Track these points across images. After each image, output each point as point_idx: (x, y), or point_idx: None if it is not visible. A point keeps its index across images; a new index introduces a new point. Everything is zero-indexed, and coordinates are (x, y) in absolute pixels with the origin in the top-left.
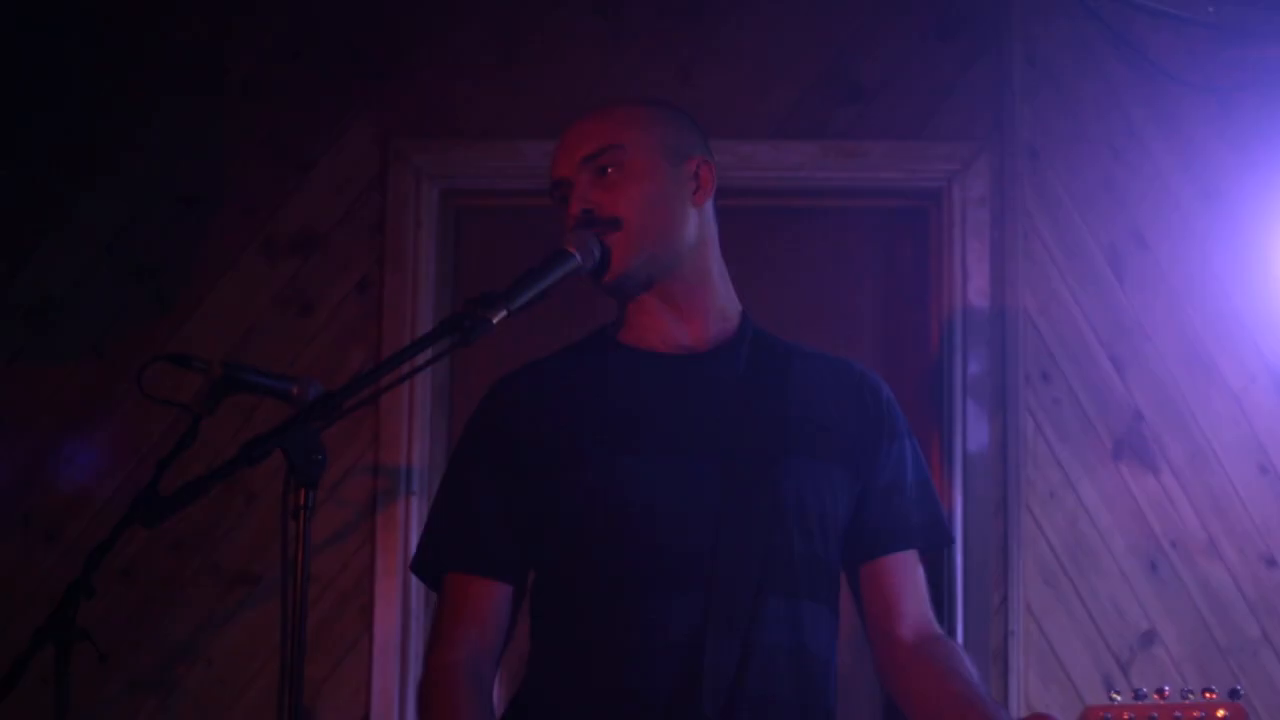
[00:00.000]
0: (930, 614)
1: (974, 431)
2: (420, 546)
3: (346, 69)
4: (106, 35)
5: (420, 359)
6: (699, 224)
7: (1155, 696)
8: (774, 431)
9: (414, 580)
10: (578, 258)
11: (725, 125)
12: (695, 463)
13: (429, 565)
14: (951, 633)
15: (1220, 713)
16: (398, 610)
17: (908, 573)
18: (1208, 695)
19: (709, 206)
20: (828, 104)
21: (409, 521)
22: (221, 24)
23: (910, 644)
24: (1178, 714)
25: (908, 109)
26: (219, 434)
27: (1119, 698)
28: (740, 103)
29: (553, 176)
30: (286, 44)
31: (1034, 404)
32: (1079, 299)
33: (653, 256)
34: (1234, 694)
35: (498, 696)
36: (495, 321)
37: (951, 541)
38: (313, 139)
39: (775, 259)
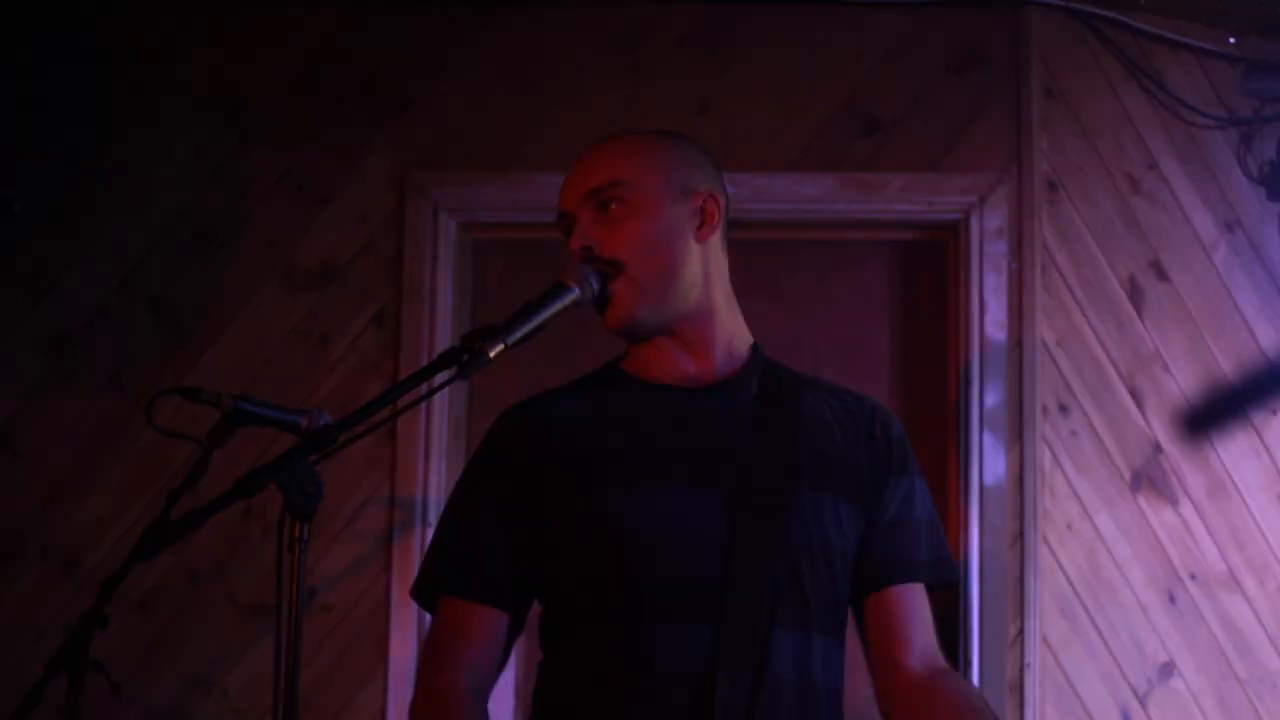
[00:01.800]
0: (937, 647)
1: (991, 463)
2: (420, 572)
3: (364, 102)
4: (126, 69)
5: (420, 392)
6: (704, 259)
7: None
8: (782, 464)
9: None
10: (576, 291)
11: (743, 158)
12: (702, 495)
13: (425, 590)
14: (967, 665)
15: None
16: (413, 641)
17: (914, 605)
18: None
19: (717, 239)
20: (845, 136)
21: (423, 552)
22: (240, 58)
23: (917, 674)
24: None
25: (925, 141)
26: (238, 466)
27: None
28: (758, 135)
29: (558, 208)
30: (305, 78)
31: (1051, 436)
32: (1097, 331)
33: (656, 300)
34: None
35: None
36: (493, 355)
37: (957, 580)
38: (330, 172)
39: (793, 291)
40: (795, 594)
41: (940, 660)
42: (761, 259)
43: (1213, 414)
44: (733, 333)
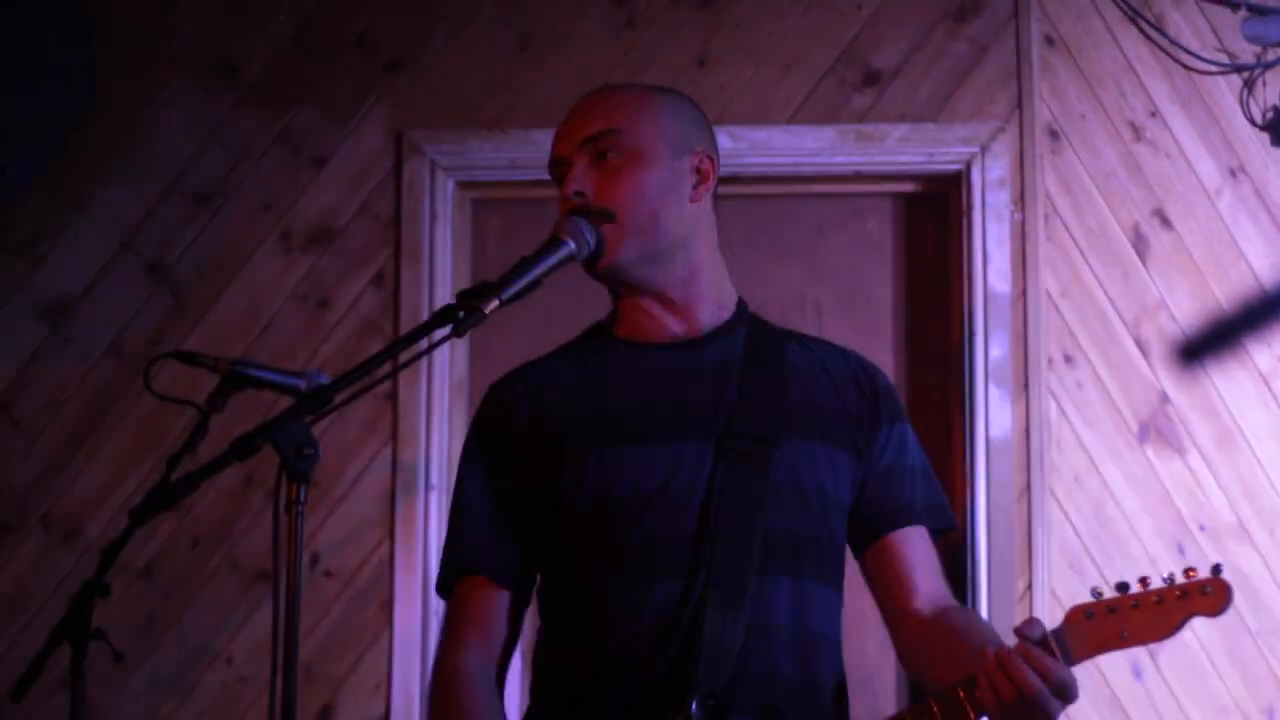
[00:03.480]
0: (945, 587)
1: (996, 416)
2: (450, 556)
3: (360, 62)
4: (121, 32)
5: (418, 350)
6: (695, 219)
7: (1139, 585)
8: (769, 414)
9: (433, 575)
10: (571, 245)
11: (741, 111)
12: (691, 447)
13: (443, 583)
14: None
15: (1202, 589)
16: (418, 606)
17: (917, 548)
18: (1189, 574)
19: (708, 199)
20: (844, 88)
21: (428, 516)
22: (234, 19)
23: (927, 616)
24: (1158, 597)
25: (925, 92)
26: (241, 429)
27: (1104, 593)
28: (756, 88)
29: (553, 153)
30: (300, 38)
31: (1057, 388)
32: (1102, 281)
33: (645, 249)
34: (1216, 569)
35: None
36: (488, 311)
37: (954, 526)
38: (327, 133)
39: (793, 245)
40: (786, 540)
41: (950, 599)
42: (761, 213)
43: (1208, 342)
44: (720, 291)
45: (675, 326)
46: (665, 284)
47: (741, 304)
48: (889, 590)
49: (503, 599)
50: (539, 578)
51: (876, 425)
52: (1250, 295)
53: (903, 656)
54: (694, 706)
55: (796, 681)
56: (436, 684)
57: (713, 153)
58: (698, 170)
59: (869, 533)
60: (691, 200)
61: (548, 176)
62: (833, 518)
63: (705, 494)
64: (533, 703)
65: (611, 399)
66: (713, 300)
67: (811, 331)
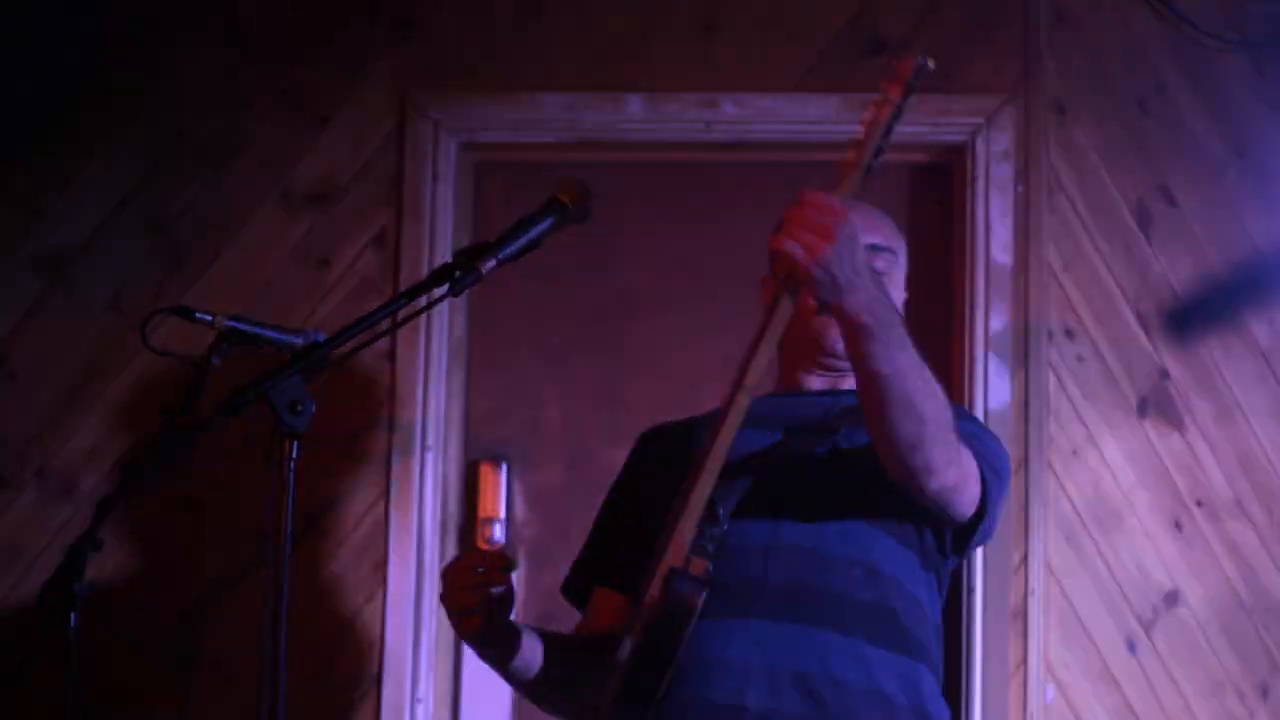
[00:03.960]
0: None
1: (995, 388)
2: (577, 565)
3: (364, 20)
4: None
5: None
6: None
7: None
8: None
9: (429, 536)
10: (569, 206)
11: (747, 78)
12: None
13: (574, 590)
14: (970, 591)
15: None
16: (412, 566)
17: None
18: None
19: None
20: (851, 57)
21: (424, 477)
22: None
23: None
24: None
25: (932, 62)
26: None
27: None
28: (762, 55)
29: None
30: None
31: (1057, 361)
32: (1105, 255)
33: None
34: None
35: None
36: (485, 271)
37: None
38: (329, 92)
39: None
40: (846, 496)
41: None
42: (764, 181)
43: (1201, 310)
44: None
45: (826, 382)
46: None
47: None
48: None
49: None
50: None
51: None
52: (1249, 267)
53: None
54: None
55: (855, 601)
56: None
57: None
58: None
59: None
60: None
61: (550, 139)
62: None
63: (771, 547)
64: None
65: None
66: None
67: None
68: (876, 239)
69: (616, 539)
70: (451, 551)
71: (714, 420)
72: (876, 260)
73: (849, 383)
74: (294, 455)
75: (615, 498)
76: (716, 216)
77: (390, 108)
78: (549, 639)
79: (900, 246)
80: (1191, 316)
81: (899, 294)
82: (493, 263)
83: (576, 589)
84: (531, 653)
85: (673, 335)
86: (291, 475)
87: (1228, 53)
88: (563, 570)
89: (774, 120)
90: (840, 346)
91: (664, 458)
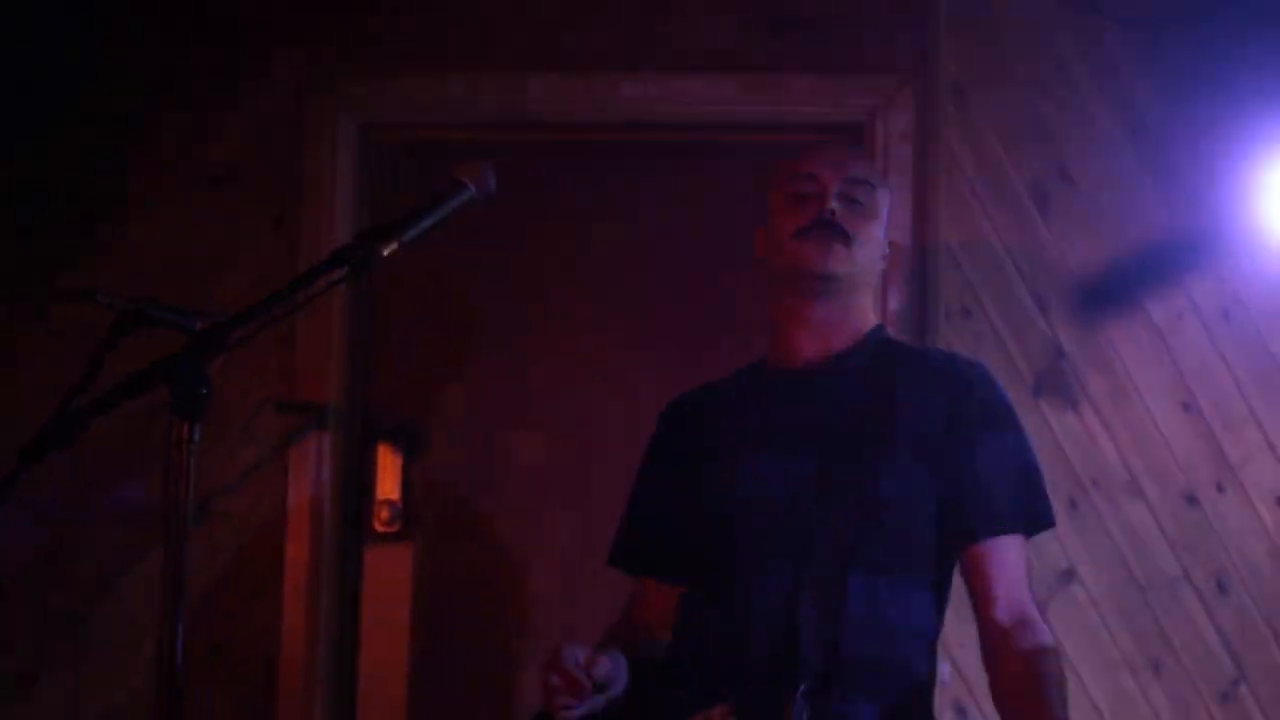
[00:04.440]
0: (1026, 597)
1: None
2: (615, 543)
3: (266, 1)
4: None
5: (315, 291)
6: (874, 282)
7: None
8: (870, 435)
9: (326, 519)
10: (471, 189)
11: (647, 58)
12: (799, 463)
13: (623, 562)
14: None
15: None
16: (308, 549)
17: (1001, 557)
18: None
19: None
20: (752, 38)
21: (321, 459)
22: None
23: (1002, 628)
24: None
25: (832, 43)
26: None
27: None
28: (662, 36)
29: (805, 170)
30: None
31: (955, 340)
32: (1002, 235)
33: (852, 275)
34: None
35: None
36: (386, 253)
37: (1051, 524)
38: (231, 72)
39: (698, 194)
40: (870, 544)
41: (1027, 610)
42: (665, 161)
43: (1108, 294)
44: (860, 323)
45: (812, 351)
46: (830, 308)
47: (876, 329)
48: (975, 597)
49: (661, 592)
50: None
51: (970, 438)
52: (1148, 250)
53: (982, 656)
54: (800, 688)
55: (875, 668)
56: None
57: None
58: (886, 255)
59: (961, 539)
60: (880, 268)
61: (451, 120)
62: (917, 524)
63: (808, 502)
64: (669, 660)
65: (748, 417)
66: (852, 330)
67: (710, 282)
68: (857, 171)
69: (652, 523)
70: (350, 534)
71: (732, 375)
72: (856, 191)
73: (838, 336)
74: (193, 438)
75: (649, 478)
76: (617, 196)
77: (291, 89)
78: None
79: (880, 182)
80: (1093, 297)
81: (880, 227)
82: (394, 245)
83: (621, 563)
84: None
85: (576, 316)
86: (191, 458)
87: (1127, 34)
88: (464, 551)
89: (675, 101)
90: (828, 264)
91: (689, 428)
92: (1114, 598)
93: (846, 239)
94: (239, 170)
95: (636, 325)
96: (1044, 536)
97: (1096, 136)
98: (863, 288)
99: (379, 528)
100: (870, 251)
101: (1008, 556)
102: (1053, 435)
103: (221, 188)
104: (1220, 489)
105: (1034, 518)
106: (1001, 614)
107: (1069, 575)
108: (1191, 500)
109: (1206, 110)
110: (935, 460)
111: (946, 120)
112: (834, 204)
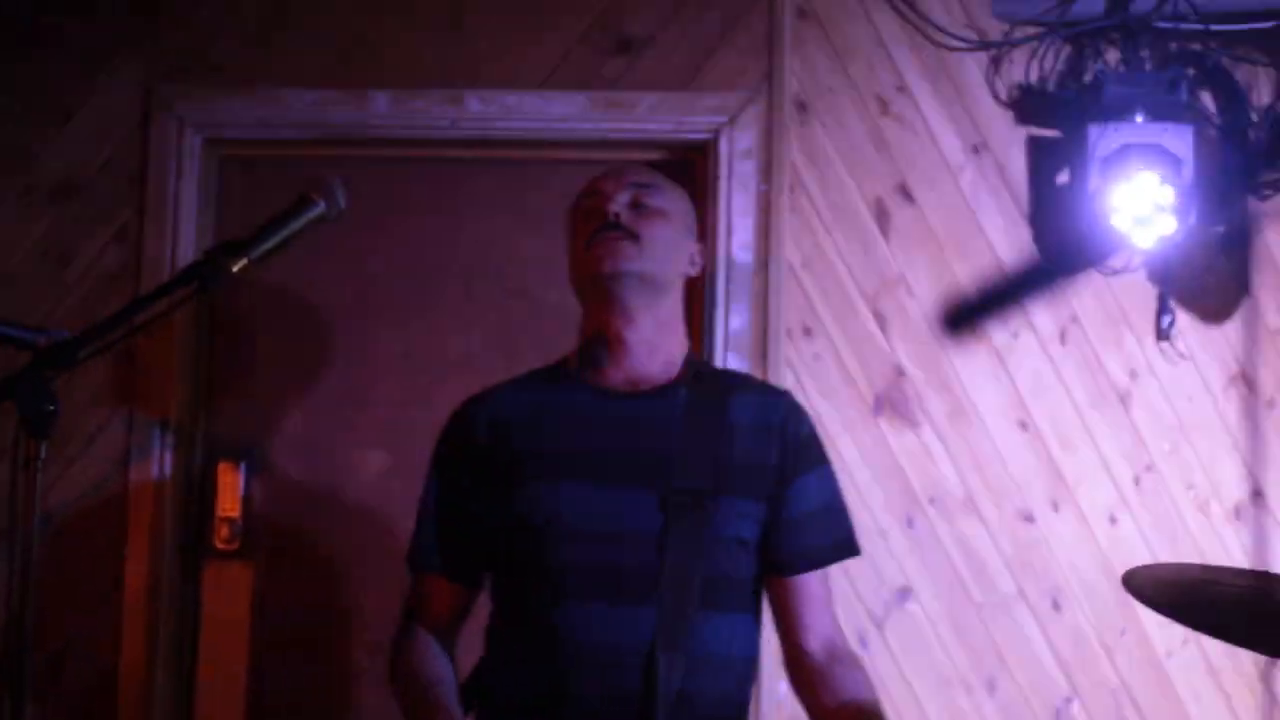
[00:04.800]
0: (836, 627)
1: None
2: (413, 546)
3: (109, 12)
4: None
5: (161, 308)
6: (680, 287)
7: None
8: (708, 470)
9: (166, 535)
10: (321, 205)
11: (493, 75)
12: (638, 493)
13: (412, 564)
14: None
15: None
16: (148, 565)
17: (814, 590)
18: None
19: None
20: (597, 55)
21: (164, 475)
22: None
23: (817, 660)
24: None
25: (677, 60)
26: None
27: None
28: (510, 52)
29: (590, 189)
30: None
31: (795, 359)
32: (843, 254)
33: (645, 270)
34: None
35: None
36: (235, 270)
37: (857, 553)
38: (73, 84)
39: (540, 211)
40: (719, 581)
41: (839, 642)
42: (510, 178)
43: (949, 313)
44: (674, 348)
45: (629, 373)
46: (639, 327)
47: (691, 356)
48: (786, 627)
49: (458, 593)
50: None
51: (793, 478)
52: (992, 276)
53: (791, 682)
54: None
55: (725, 704)
56: (396, 646)
57: (702, 250)
58: (694, 261)
59: (774, 571)
60: (685, 274)
61: (297, 136)
62: (751, 561)
63: (651, 537)
64: (481, 678)
65: (562, 438)
66: (666, 355)
67: (559, 297)
68: (639, 177)
69: (450, 526)
70: (190, 551)
71: (532, 381)
72: (641, 194)
73: (656, 359)
74: (40, 457)
75: (448, 483)
76: (463, 213)
77: (134, 102)
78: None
79: (669, 185)
80: (934, 316)
81: (672, 229)
82: (244, 261)
83: (418, 562)
84: None
85: (417, 333)
86: (38, 476)
87: (967, 53)
88: (304, 567)
89: (520, 117)
90: (618, 263)
91: (496, 437)
92: (950, 615)
93: (634, 237)
94: (80, 184)
95: (477, 340)
96: (881, 554)
97: (937, 155)
98: (667, 295)
99: (219, 545)
100: (665, 252)
101: (819, 588)
102: (891, 454)
103: (62, 201)
104: (1056, 507)
105: (842, 548)
106: (814, 643)
107: (905, 593)
108: (1027, 518)
109: (1045, 130)
110: (764, 498)
111: (790, 138)
112: (616, 208)
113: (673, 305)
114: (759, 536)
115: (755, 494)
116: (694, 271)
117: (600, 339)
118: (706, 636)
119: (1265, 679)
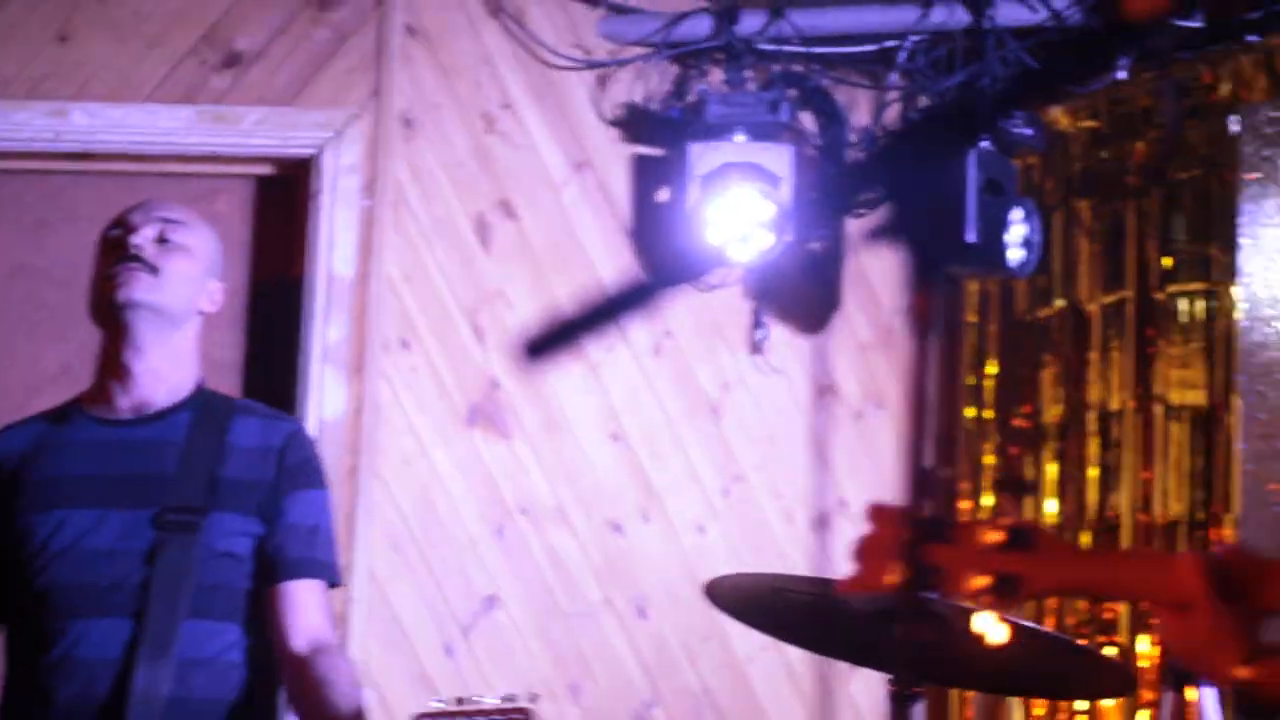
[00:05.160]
0: (324, 629)
1: (331, 398)
2: None
3: None
4: None
5: None
6: (196, 329)
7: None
8: (202, 489)
9: None
10: None
11: (100, 87)
12: (134, 513)
13: None
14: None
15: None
16: None
17: (299, 598)
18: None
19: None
20: (204, 69)
21: None
22: None
23: (301, 656)
24: (480, 715)
25: (285, 75)
26: None
27: (440, 704)
28: (116, 65)
29: (118, 220)
30: None
31: (392, 372)
32: (444, 268)
33: (160, 305)
34: (533, 698)
35: None
36: None
37: (338, 583)
38: None
39: None
40: (203, 593)
41: (326, 638)
42: (116, 191)
43: (549, 339)
44: (184, 377)
45: (132, 399)
46: (150, 343)
47: (201, 385)
48: (277, 629)
49: None
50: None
51: (292, 493)
52: (591, 296)
53: (287, 692)
54: None
55: (213, 708)
56: None
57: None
58: (214, 297)
59: (271, 580)
60: (201, 311)
61: None
62: (244, 573)
63: (141, 554)
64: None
65: (61, 467)
66: (173, 384)
67: None
68: (168, 213)
69: None
70: None
71: (43, 418)
72: (167, 230)
73: (161, 389)
74: None
75: None
76: (62, 226)
77: None
78: None
79: (197, 224)
80: (530, 329)
81: (196, 265)
82: None
83: None
84: None
85: (11, 346)
86: None
87: (573, 72)
88: None
89: (125, 131)
90: (132, 293)
91: (3, 471)
92: (536, 623)
93: (154, 270)
94: None
95: (72, 353)
96: (470, 564)
97: (540, 171)
98: (179, 330)
99: None
100: (183, 287)
101: (307, 596)
102: (484, 465)
103: None
104: (646, 517)
105: (326, 568)
106: (299, 643)
107: (492, 601)
108: (617, 528)
109: (650, 148)
110: (260, 513)
111: (395, 154)
112: (139, 240)
113: (186, 338)
114: (254, 550)
115: (248, 510)
116: (212, 308)
117: (110, 369)
118: (195, 644)
119: (823, 680)
